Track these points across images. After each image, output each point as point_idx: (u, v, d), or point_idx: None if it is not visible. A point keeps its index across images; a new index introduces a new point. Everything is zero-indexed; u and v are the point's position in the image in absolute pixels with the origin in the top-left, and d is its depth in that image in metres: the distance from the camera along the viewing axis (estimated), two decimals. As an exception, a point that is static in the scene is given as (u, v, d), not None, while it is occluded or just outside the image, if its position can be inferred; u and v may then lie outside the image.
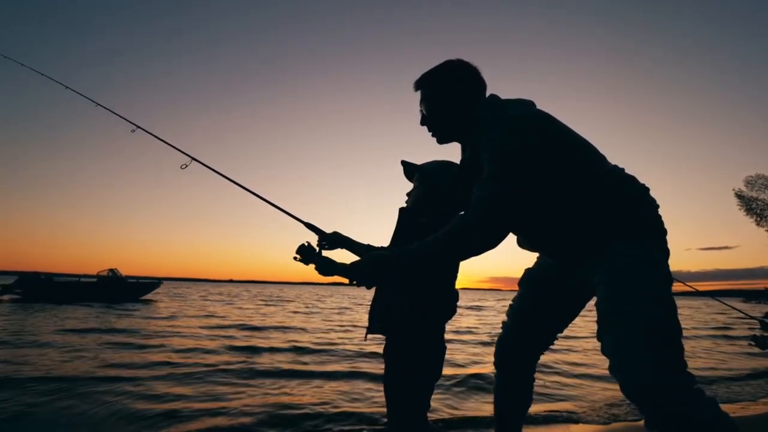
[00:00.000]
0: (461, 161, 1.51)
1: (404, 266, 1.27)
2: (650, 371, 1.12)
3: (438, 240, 1.25)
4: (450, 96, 1.37)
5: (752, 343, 2.87)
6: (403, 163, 1.47)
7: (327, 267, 1.34)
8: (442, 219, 1.35)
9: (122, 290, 17.85)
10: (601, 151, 1.36)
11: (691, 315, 17.41)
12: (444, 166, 1.44)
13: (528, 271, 1.62)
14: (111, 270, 18.24)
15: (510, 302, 1.65)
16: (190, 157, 1.69)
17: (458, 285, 1.42)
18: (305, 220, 1.43)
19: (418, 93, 1.43)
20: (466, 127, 1.39)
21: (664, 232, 1.31)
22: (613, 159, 1.38)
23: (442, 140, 1.45)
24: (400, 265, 1.27)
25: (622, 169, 1.37)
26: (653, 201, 1.35)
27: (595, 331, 1.24)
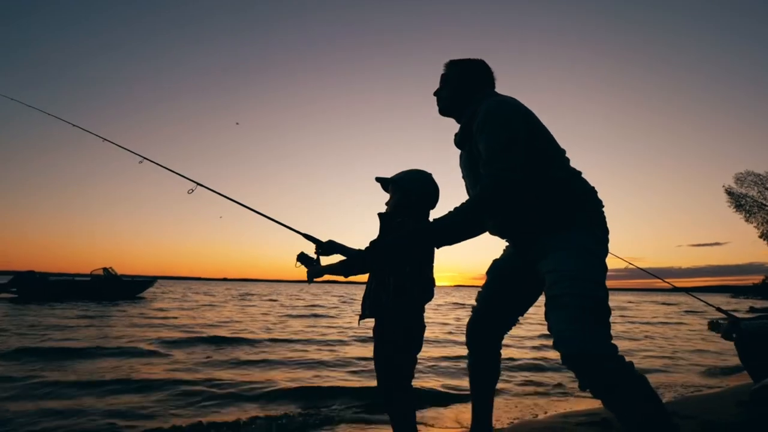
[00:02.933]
0: (455, 135, 1.76)
1: (432, 237, 1.53)
2: (587, 342, 1.34)
3: (464, 209, 1.49)
4: (463, 80, 1.69)
5: (713, 327, 3.01)
6: (378, 179, 1.73)
7: (318, 273, 1.62)
8: (415, 217, 1.63)
9: (117, 288, 17.89)
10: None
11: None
12: (412, 173, 1.69)
13: (494, 261, 1.85)
14: (105, 269, 18.24)
15: (479, 289, 1.88)
16: (196, 182, 1.90)
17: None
18: (303, 232, 1.66)
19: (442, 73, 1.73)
20: (465, 107, 1.67)
21: (606, 229, 1.55)
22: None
23: (443, 112, 1.75)
24: (429, 235, 1.53)
25: (579, 172, 1.60)
26: (599, 201, 1.58)
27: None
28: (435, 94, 1.76)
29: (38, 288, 16.13)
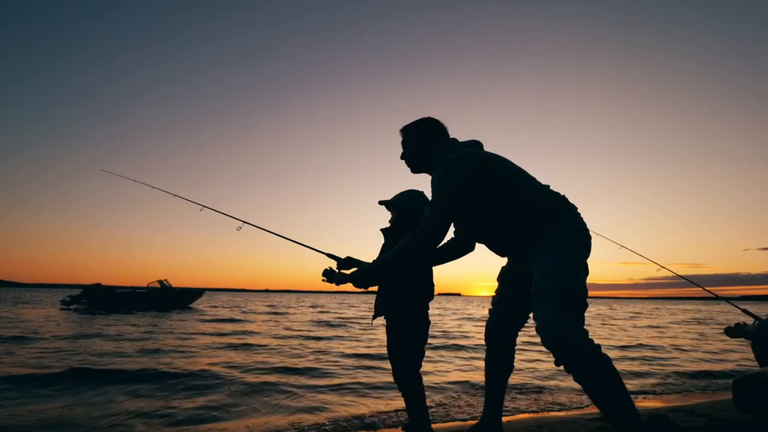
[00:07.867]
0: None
1: (387, 268, 1.80)
2: (560, 324, 1.56)
3: (402, 248, 1.75)
4: (418, 141, 1.94)
5: (727, 331, 3.08)
6: (380, 202, 2.02)
7: (341, 280, 1.89)
8: (412, 230, 1.89)
9: (171, 299, 18.87)
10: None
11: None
12: (406, 193, 1.97)
13: (502, 269, 2.09)
14: (161, 281, 19.19)
15: (493, 294, 2.11)
16: (242, 221, 2.26)
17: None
18: (326, 252, 1.97)
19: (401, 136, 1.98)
20: (430, 162, 1.92)
21: (582, 230, 1.77)
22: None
23: (413, 171, 1.99)
24: (384, 267, 1.80)
25: (547, 186, 1.83)
26: (570, 206, 1.81)
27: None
28: (401, 158, 1.98)
29: (105, 299, 17.31)
